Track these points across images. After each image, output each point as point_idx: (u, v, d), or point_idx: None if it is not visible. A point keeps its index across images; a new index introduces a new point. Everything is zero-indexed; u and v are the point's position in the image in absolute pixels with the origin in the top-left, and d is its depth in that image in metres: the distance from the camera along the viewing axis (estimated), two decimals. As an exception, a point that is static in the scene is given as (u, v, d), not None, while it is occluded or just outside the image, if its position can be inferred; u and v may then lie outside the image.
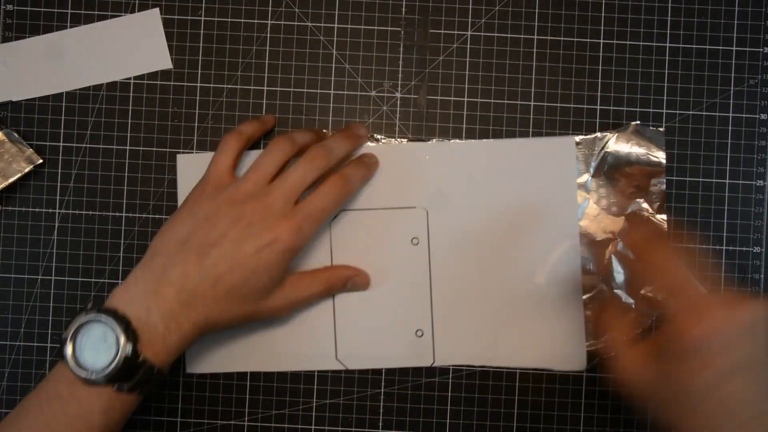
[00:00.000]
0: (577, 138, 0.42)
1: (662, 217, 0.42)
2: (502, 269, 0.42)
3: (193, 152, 0.43)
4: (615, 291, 0.42)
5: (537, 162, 0.42)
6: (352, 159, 0.41)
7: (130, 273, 0.36)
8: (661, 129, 0.42)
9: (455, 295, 0.42)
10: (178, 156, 0.42)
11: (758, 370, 0.32)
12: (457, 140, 0.42)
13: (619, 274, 0.42)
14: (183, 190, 0.42)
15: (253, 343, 0.42)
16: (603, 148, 0.42)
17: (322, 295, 0.40)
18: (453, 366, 0.42)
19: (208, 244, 0.35)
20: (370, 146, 0.42)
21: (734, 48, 0.43)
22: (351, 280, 0.41)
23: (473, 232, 0.42)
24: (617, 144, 0.42)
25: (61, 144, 0.43)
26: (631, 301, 0.42)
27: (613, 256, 0.42)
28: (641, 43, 0.43)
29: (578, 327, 0.42)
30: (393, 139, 0.42)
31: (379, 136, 0.42)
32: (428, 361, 0.42)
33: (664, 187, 0.42)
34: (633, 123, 0.42)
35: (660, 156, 0.42)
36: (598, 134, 0.42)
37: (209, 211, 0.36)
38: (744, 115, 0.43)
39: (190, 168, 0.42)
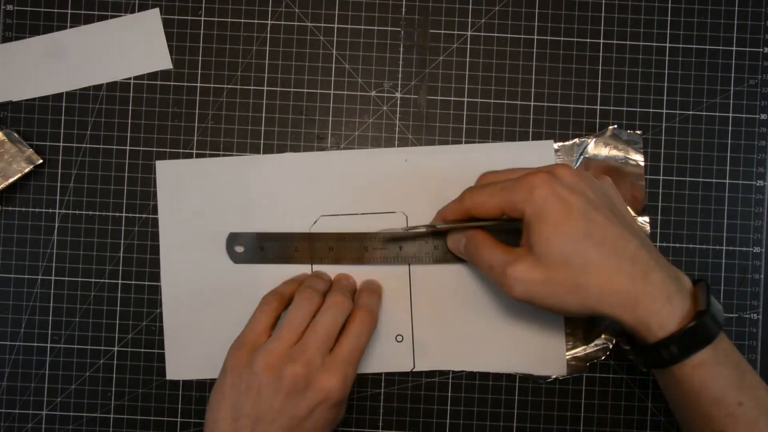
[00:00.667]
0: (556, 145, 0.42)
1: (644, 219, 0.42)
2: (482, 274, 0.42)
3: (186, 157, 0.43)
4: None
5: (515, 165, 0.42)
6: (359, 289, 0.41)
7: None
8: (638, 132, 0.42)
9: (435, 301, 0.42)
10: (157, 162, 0.42)
11: (605, 209, 0.34)
12: (434, 146, 0.42)
13: None
14: (163, 197, 0.42)
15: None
16: (581, 153, 0.42)
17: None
18: (436, 370, 0.42)
19: (258, 418, 0.34)
20: (347, 151, 0.42)
21: (734, 48, 0.43)
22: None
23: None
24: (595, 149, 0.42)
25: (61, 144, 0.43)
26: None
27: None
28: (641, 43, 0.43)
29: (558, 332, 0.42)
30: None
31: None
32: (408, 366, 0.42)
33: (644, 189, 0.42)
34: (610, 127, 0.42)
35: (638, 159, 0.42)
36: (576, 140, 0.42)
37: (250, 382, 0.35)
38: (744, 115, 0.43)
39: (170, 174, 0.42)
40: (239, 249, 0.42)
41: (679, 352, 0.32)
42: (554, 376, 0.42)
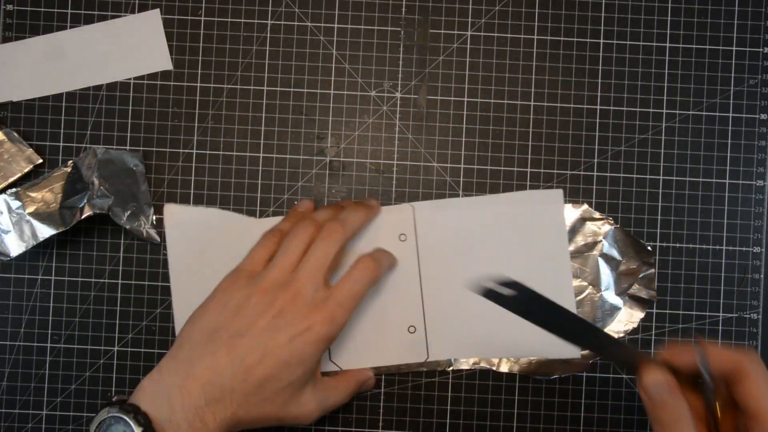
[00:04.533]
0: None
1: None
2: (490, 262, 0.42)
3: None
4: (602, 292, 0.42)
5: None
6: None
7: (159, 363, 0.34)
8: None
9: (445, 290, 0.42)
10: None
11: None
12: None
13: (606, 276, 0.42)
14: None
15: None
16: None
17: (352, 395, 0.40)
18: (450, 359, 0.42)
19: (238, 334, 0.34)
20: None
21: (734, 48, 0.43)
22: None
23: (460, 227, 0.42)
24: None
25: (61, 144, 0.43)
26: (619, 301, 0.42)
27: (599, 258, 0.42)
28: (641, 43, 0.43)
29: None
30: None
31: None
32: (422, 356, 0.42)
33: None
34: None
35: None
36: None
37: (239, 301, 0.35)
38: (744, 115, 0.43)
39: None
40: None
41: None
42: (567, 365, 0.42)
